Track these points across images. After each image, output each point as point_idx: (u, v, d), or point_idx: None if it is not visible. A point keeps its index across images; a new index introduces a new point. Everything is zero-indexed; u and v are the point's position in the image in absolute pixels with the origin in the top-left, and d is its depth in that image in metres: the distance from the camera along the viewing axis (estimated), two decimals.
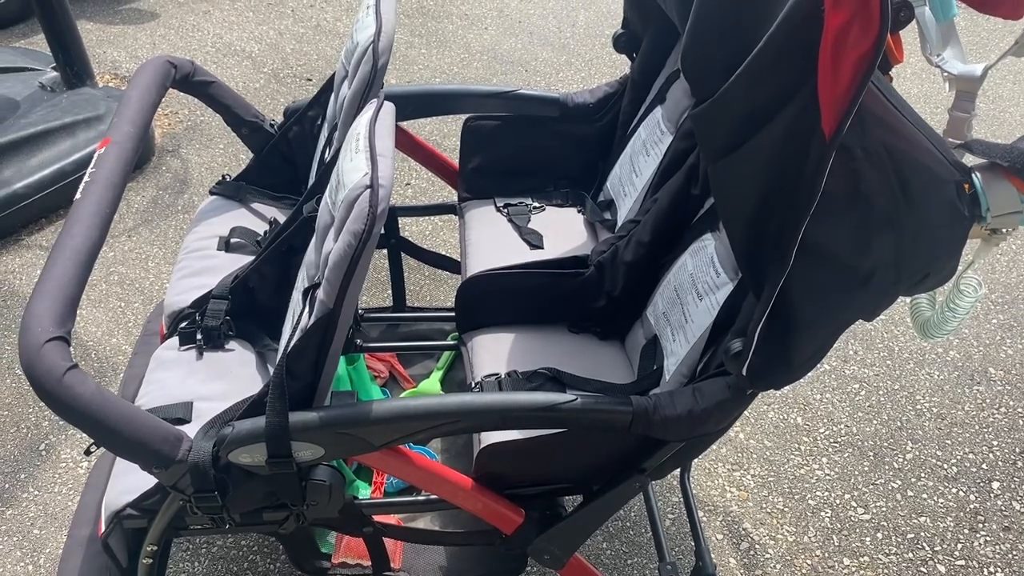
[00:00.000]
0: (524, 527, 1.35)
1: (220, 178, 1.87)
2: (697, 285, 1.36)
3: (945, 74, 1.32)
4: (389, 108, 1.19)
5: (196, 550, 1.86)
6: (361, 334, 1.94)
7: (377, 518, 1.42)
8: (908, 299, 1.26)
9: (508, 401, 1.21)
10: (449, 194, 1.97)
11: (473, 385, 1.49)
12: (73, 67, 3.14)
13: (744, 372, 1.09)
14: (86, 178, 1.31)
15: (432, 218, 2.87)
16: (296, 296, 1.33)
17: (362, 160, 1.08)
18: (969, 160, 1.10)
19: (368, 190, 1.04)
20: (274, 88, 3.56)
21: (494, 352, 1.55)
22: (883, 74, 1.35)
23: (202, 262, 1.67)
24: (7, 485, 1.99)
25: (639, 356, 1.50)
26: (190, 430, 1.16)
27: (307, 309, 1.19)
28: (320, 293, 1.11)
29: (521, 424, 1.23)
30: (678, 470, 1.80)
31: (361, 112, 1.19)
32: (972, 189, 1.01)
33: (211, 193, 1.85)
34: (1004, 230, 1.04)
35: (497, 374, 1.48)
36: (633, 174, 1.71)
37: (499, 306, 1.59)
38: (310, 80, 3.63)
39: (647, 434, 1.20)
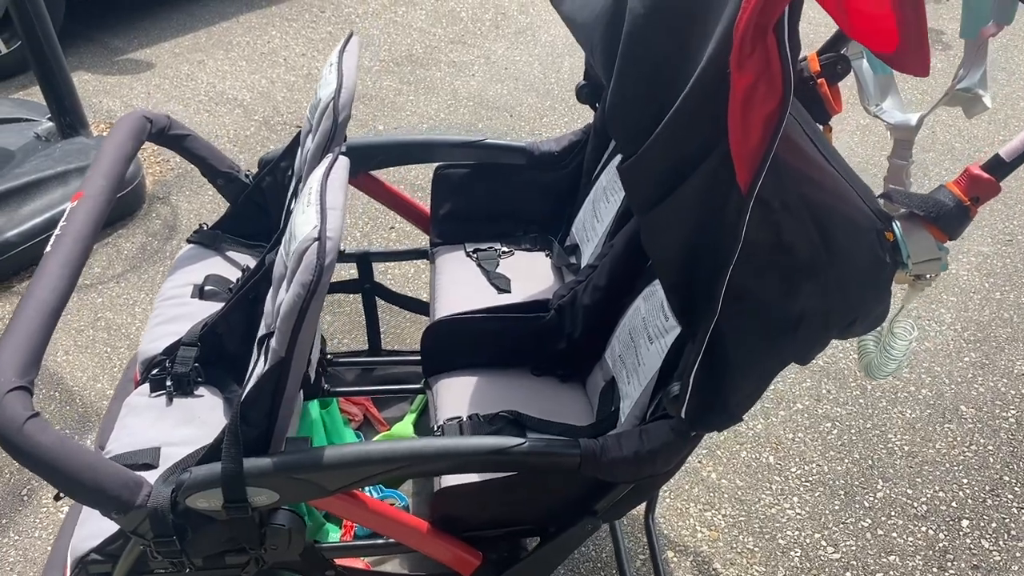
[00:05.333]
0: (480, 570, 1.37)
1: (198, 226, 1.92)
2: (648, 329, 1.40)
3: (885, 124, 1.37)
4: (343, 163, 1.24)
5: None
6: (333, 378, 1.98)
7: (341, 562, 1.44)
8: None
9: (457, 446, 1.24)
10: (427, 240, 2.05)
11: (435, 428, 1.52)
12: (67, 117, 3.22)
13: (683, 415, 1.12)
14: (57, 231, 1.36)
15: (416, 262, 2.92)
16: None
17: (313, 213, 1.13)
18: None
19: (316, 242, 1.09)
20: (264, 136, 3.64)
21: (458, 395, 1.59)
22: (823, 125, 1.40)
23: (176, 309, 1.71)
24: None
25: (598, 398, 1.53)
26: (157, 475, 1.19)
27: (262, 357, 1.23)
28: (273, 342, 1.15)
29: (471, 468, 1.26)
30: (643, 509, 1.82)
31: (317, 167, 1.24)
32: (894, 237, 1.05)
33: (188, 241, 1.90)
34: (928, 276, 1.08)
35: (460, 417, 1.51)
36: (595, 219, 1.76)
37: (463, 350, 1.63)
38: (299, 127, 3.70)
39: (596, 476, 1.22)
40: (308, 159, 1.49)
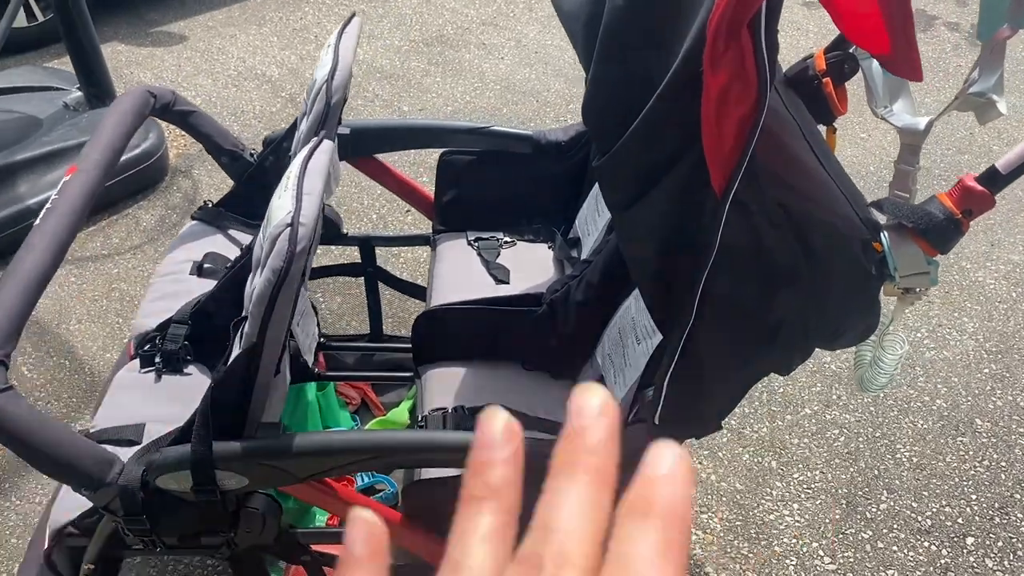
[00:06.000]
0: None
1: (202, 203, 1.92)
2: (637, 329, 1.36)
3: (894, 127, 1.31)
4: (325, 147, 1.22)
5: (164, 567, 1.90)
6: (332, 361, 1.98)
7: (319, 547, 1.44)
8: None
9: (430, 439, 1.22)
10: None
11: (420, 418, 1.50)
12: (95, 88, 3.25)
13: (656, 421, 1.09)
14: (48, 204, 1.36)
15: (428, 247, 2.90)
16: None
17: (288, 198, 1.11)
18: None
19: (289, 228, 1.07)
20: (290, 112, 3.64)
21: (446, 386, 1.57)
22: (827, 126, 1.35)
23: (173, 286, 1.72)
24: None
25: None
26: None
27: (236, 341, 1.23)
28: (246, 327, 1.14)
29: (440, 462, 1.25)
30: None
31: (299, 151, 1.23)
32: (882, 249, 1.00)
33: (192, 218, 1.91)
34: (917, 289, 1.03)
35: (445, 408, 1.50)
36: (596, 213, 1.72)
37: (453, 341, 1.61)
38: None
39: None
40: (300, 141, 1.48)
